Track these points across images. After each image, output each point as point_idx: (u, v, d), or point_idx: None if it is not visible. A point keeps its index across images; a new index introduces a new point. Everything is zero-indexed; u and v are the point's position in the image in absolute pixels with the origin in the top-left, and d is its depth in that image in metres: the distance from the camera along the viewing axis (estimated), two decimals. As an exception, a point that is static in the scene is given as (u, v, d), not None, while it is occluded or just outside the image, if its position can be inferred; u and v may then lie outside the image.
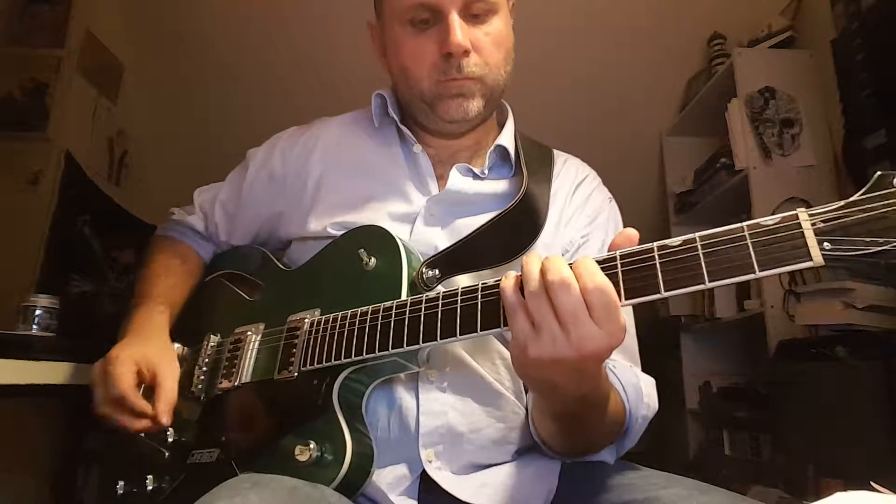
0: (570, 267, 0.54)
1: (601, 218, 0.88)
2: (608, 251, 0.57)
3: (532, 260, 0.56)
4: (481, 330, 0.60)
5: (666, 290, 0.52)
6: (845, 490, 0.48)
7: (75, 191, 2.09)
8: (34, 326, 1.11)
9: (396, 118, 0.90)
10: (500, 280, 0.60)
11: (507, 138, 0.89)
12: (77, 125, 2.16)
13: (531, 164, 0.86)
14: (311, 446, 0.65)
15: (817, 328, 1.65)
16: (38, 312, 1.12)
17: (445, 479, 0.69)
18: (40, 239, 1.96)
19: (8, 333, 1.07)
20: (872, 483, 0.56)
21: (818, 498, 0.46)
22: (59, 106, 2.06)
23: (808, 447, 1.51)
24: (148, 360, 0.78)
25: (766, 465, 1.93)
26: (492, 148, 0.87)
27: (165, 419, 0.76)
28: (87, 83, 2.20)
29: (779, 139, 2.06)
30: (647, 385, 0.76)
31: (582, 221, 0.87)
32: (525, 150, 0.89)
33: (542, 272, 0.54)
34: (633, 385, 0.74)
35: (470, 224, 0.81)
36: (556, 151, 0.95)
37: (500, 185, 0.86)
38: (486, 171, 0.87)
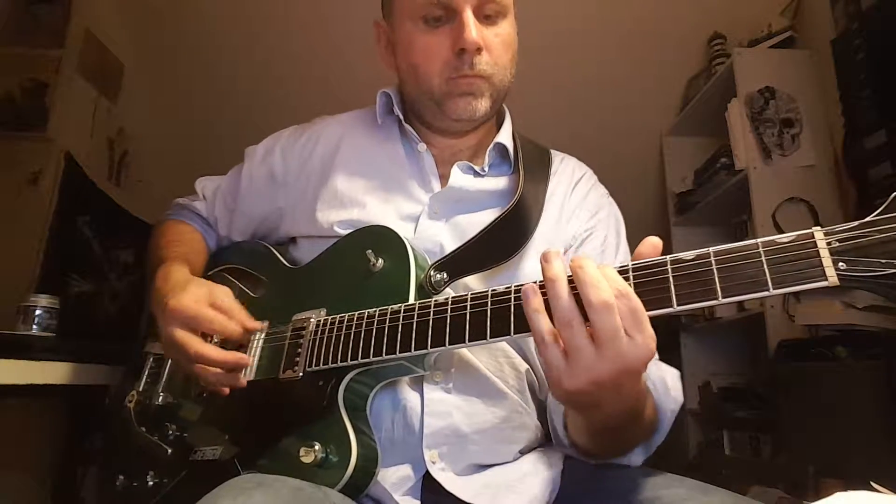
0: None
1: (602, 213, 0.89)
2: (632, 259, 0.56)
3: (560, 277, 0.51)
4: (491, 337, 0.59)
5: (679, 305, 0.51)
6: (845, 490, 0.48)
7: (75, 191, 2.09)
8: (34, 326, 1.11)
9: (401, 116, 0.90)
10: (509, 287, 0.60)
11: (505, 136, 0.90)
12: (77, 125, 2.16)
13: (529, 163, 0.87)
14: (316, 448, 0.65)
15: (817, 328, 1.65)
16: (38, 312, 1.12)
17: (449, 479, 0.69)
18: (40, 239, 1.96)
19: (8, 333, 1.07)
20: (872, 483, 0.56)
21: (818, 498, 0.46)
22: (59, 106, 2.06)
23: (808, 447, 1.51)
24: (201, 295, 0.76)
25: (766, 465, 1.93)
26: (491, 146, 0.88)
27: (255, 323, 0.76)
28: (87, 83, 2.20)
29: (779, 139, 2.06)
30: (673, 378, 0.74)
31: (584, 217, 0.88)
32: (523, 149, 0.90)
33: (582, 289, 0.50)
34: (661, 379, 0.72)
35: (471, 220, 0.82)
36: (553, 151, 0.96)
37: (500, 183, 0.87)
38: (487, 169, 0.88)
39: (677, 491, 0.61)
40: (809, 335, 1.69)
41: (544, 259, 0.53)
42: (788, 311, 1.85)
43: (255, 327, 0.77)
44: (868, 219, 0.47)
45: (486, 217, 0.81)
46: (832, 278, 0.46)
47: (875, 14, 1.77)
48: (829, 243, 0.47)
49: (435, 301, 0.65)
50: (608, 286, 0.50)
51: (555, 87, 2.54)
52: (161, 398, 0.86)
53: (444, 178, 0.87)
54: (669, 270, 0.52)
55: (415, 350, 0.63)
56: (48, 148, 2.03)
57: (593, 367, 0.50)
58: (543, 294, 0.54)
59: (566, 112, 2.59)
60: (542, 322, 0.52)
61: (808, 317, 1.65)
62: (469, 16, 0.79)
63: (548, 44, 2.31)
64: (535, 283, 0.55)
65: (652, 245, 0.55)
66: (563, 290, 0.51)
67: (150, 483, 0.80)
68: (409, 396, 0.72)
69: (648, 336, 0.51)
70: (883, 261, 0.45)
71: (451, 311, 0.63)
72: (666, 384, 0.72)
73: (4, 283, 1.74)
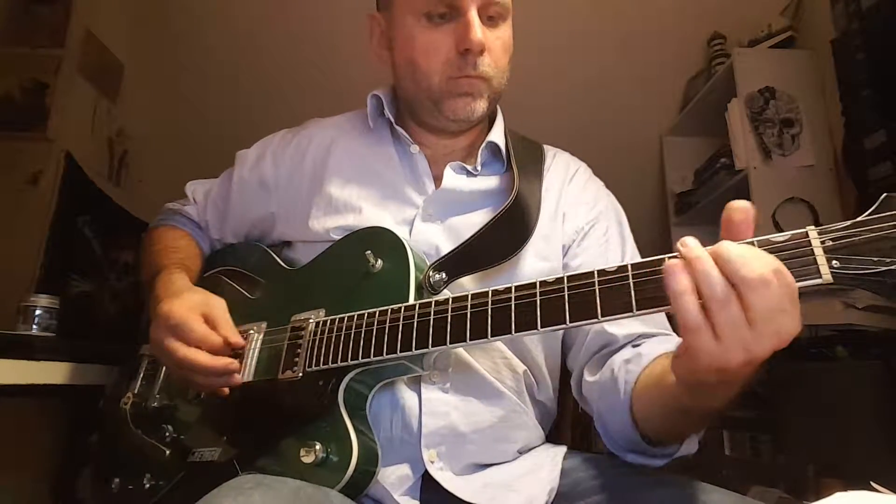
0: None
1: (601, 205, 0.89)
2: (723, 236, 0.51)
3: (705, 255, 0.47)
4: (492, 336, 0.60)
5: None
6: (845, 490, 0.48)
7: (75, 191, 2.09)
8: (34, 326, 1.11)
9: (391, 118, 0.89)
10: (510, 286, 0.60)
11: (497, 135, 0.89)
12: (77, 125, 2.16)
13: (522, 161, 0.87)
14: (317, 448, 0.65)
15: (817, 328, 1.65)
16: (38, 312, 1.12)
17: (447, 479, 0.69)
18: (40, 239, 1.96)
19: (8, 333, 1.07)
20: (872, 483, 0.56)
21: (818, 498, 0.46)
22: (59, 106, 2.06)
23: (808, 447, 1.51)
24: (195, 303, 0.76)
25: (766, 465, 1.92)
26: (483, 145, 0.88)
27: (238, 338, 0.75)
28: (87, 83, 2.20)
29: (779, 139, 2.06)
30: None
31: (583, 210, 0.87)
32: (515, 146, 0.89)
33: (727, 272, 0.46)
34: None
35: (466, 221, 0.81)
36: (546, 147, 0.96)
37: (492, 182, 0.87)
38: (479, 168, 0.87)
39: (676, 490, 0.61)
40: (809, 335, 1.69)
41: (682, 244, 0.49)
42: (788, 311, 1.85)
43: (237, 343, 0.75)
44: (860, 218, 0.49)
45: (480, 218, 0.80)
46: (826, 276, 0.48)
47: (875, 14, 1.77)
48: (822, 242, 0.49)
49: (435, 300, 0.65)
50: (762, 260, 0.46)
51: (555, 87, 2.53)
52: (157, 400, 0.86)
53: (437, 180, 0.87)
54: None
55: (416, 349, 0.63)
56: (48, 148, 2.03)
57: (749, 345, 0.46)
58: None
59: (566, 112, 2.59)
60: (692, 304, 0.47)
61: (808, 317, 1.64)
62: (474, 15, 0.78)
63: (548, 44, 2.31)
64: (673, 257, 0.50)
65: (744, 212, 0.50)
66: (713, 266, 0.46)
67: (147, 485, 0.80)
68: (407, 396, 0.73)
69: (798, 312, 0.47)
70: (874, 259, 0.47)
71: (451, 311, 0.63)
72: None
73: (4, 283, 1.74)
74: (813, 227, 0.49)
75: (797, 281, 0.48)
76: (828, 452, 1.43)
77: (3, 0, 2.08)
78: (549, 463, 0.75)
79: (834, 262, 0.48)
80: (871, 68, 1.79)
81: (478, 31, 0.77)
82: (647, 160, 2.84)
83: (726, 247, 0.47)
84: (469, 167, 0.87)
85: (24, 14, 2.10)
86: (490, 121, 0.93)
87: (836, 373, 1.45)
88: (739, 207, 0.50)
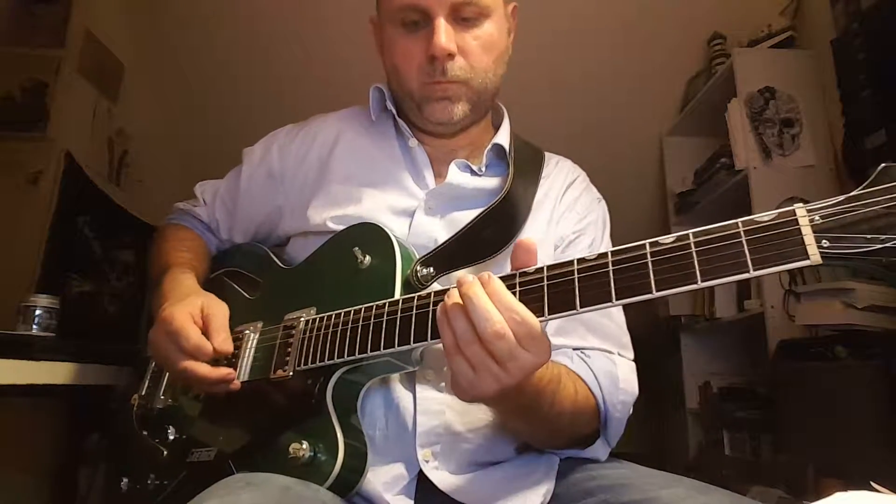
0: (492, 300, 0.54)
1: (591, 217, 0.90)
2: (511, 269, 0.59)
3: (455, 304, 0.55)
4: None
5: (657, 290, 0.50)
6: (845, 490, 0.48)
7: (75, 191, 2.10)
8: (34, 326, 1.11)
9: (394, 111, 0.90)
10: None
11: (503, 137, 0.90)
12: (77, 125, 2.16)
13: (521, 163, 0.87)
14: (305, 446, 0.65)
15: (817, 328, 1.65)
16: (38, 312, 1.12)
17: (442, 478, 0.69)
18: (40, 239, 1.96)
19: (8, 333, 1.07)
20: (872, 483, 0.56)
21: (818, 498, 0.46)
22: (59, 106, 2.06)
23: (808, 447, 1.51)
24: (196, 306, 0.76)
25: (766, 465, 1.92)
26: (489, 147, 0.88)
27: (227, 346, 0.73)
28: (87, 83, 2.20)
29: (779, 139, 2.06)
30: (625, 370, 0.77)
31: (572, 219, 0.88)
32: (518, 150, 0.90)
33: (471, 321, 0.54)
34: (607, 372, 0.75)
35: (467, 217, 0.82)
36: (547, 153, 0.96)
37: (495, 182, 0.87)
38: (484, 169, 0.88)
39: (676, 490, 0.61)
40: (809, 335, 1.69)
41: (458, 283, 0.56)
42: (788, 310, 1.85)
43: (225, 351, 0.74)
44: (854, 193, 0.45)
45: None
46: (815, 257, 0.44)
47: (875, 14, 1.77)
48: (811, 220, 0.45)
49: (418, 295, 0.64)
50: (498, 315, 0.53)
51: (554, 87, 2.54)
52: (161, 401, 0.87)
53: (439, 177, 0.87)
54: (648, 255, 0.51)
55: (398, 346, 0.63)
56: (48, 148, 2.03)
57: (499, 379, 0.54)
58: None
59: (566, 112, 2.59)
60: (448, 336, 0.56)
61: (807, 317, 1.65)
62: (441, 23, 0.78)
63: (548, 43, 2.32)
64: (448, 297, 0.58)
65: (525, 250, 0.59)
66: (461, 316, 0.55)
67: (152, 485, 0.81)
68: (402, 395, 0.73)
69: (544, 348, 0.55)
70: (868, 236, 0.42)
71: (432, 305, 0.62)
72: (615, 376, 0.75)
73: (4, 283, 1.74)
74: (801, 205, 0.46)
75: (782, 264, 0.45)
76: (828, 452, 1.43)
77: (3, 0, 2.09)
78: (545, 464, 0.75)
79: (824, 241, 0.44)
80: (871, 68, 1.79)
81: (442, 37, 0.78)
82: (647, 160, 2.85)
83: (474, 301, 0.54)
84: (474, 167, 0.87)
85: (24, 14, 2.11)
86: (497, 122, 0.94)
87: (836, 373, 1.45)
88: (524, 247, 0.59)
